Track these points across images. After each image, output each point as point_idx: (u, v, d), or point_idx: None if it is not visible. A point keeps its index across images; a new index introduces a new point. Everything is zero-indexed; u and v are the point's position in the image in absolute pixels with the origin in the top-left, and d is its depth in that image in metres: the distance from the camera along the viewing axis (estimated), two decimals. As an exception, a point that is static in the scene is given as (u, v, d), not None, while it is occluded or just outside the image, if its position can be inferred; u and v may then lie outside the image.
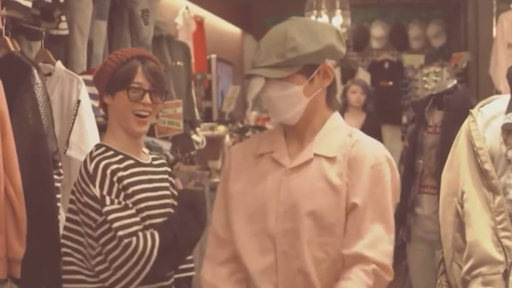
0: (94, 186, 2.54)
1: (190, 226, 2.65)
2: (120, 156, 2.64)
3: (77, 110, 3.45)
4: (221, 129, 7.16)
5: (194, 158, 6.13)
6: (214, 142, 6.79)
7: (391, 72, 9.28)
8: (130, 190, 2.59)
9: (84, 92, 3.51)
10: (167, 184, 2.76)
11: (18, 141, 2.83)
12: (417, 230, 4.31)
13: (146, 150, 2.82)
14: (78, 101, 3.45)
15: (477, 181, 2.34)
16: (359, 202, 2.28)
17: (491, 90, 6.78)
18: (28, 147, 2.93)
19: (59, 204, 3.10)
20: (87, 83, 3.63)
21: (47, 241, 2.97)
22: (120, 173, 2.58)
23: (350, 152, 2.32)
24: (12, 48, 3.14)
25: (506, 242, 2.27)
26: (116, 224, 2.51)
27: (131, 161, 2.65)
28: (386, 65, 9.41)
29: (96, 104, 3.97)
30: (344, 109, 6.77)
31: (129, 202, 2.56)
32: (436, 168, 4.15)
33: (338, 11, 7.88)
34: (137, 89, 2.62)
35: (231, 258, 2.43)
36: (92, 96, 3.73)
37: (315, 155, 2.33)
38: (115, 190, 2.56)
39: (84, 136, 3.46)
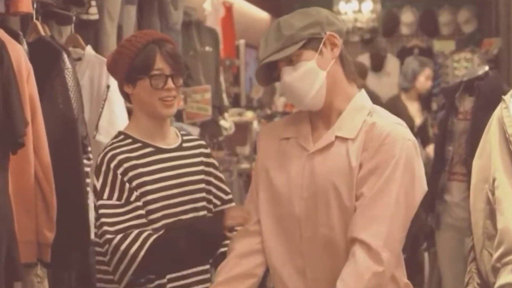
0: (97, 178, 2.51)
1: (193, 252, 2.50)
2: (138, 144, 2.57)
3: (106, 95, 3.47)
4: (249, 115, 7.17)
5: (222, 144, 6.15)
6: (242, 128, 6.80)
7: (421, 58, 9.22)
8: (144, 179, 2.51)
9: (113, 77, 3.52)
10: (198, 168, 2.66)
11: (48, 126, 2.85)
12: (446, 217, 4.29)
13: (178, 133, 2.73)
14: (108, 86, 3.47)
15: (509, 168, 2.32)
16: (366, 184, 2.25)
17: (522, 77, 6.72)
18: (58, 132, 2.96)
19: (88, 188, 3.12)
20: (116, 68, 3.64)
21: (77, 226, 3.00)
22: (130, 163, 2.51)
23: (368, 133, 2.28)
24: (43, 33, 3.16)
25: (537, 229, 2.25)
26: (103, 219, 2.45)
27: (150, 149, 2.58)
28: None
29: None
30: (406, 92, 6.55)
31: (136, 193, 2.49)
32: (466, 155, 4.12)
33: (368, -4, 7.85)
34: (159, 76, 2.54)
35: (254, 250, 2.42)
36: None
37: (337, 137, 2.31)
38: (118, 183, 2.49)
39: (114, 121, 3.48)
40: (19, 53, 2.70)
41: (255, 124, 7.06)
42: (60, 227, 2.86)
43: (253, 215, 2.43)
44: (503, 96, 2.42)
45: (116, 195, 2.49)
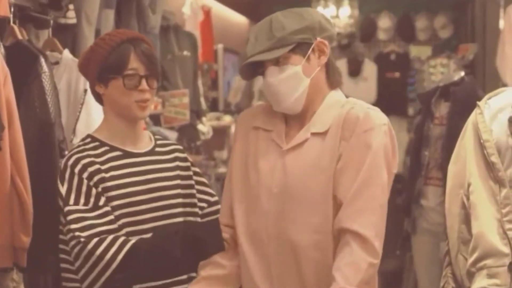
0: (62, 184, 2.42)
1: (188, 259, 2.42)
2: (105, 148, 2.49)
3: (84, 99, 3.45)
4: (227, 119, 7.16)
5: (200, 148, 6.13)
6: (220, 133, 6.80)
7: (397, 63, 9.25)
8: (108, 184, 2.42)
9: (91, 81, 3.51)
10: (172, 173, 2.57)
11: (25, 130, 2.83)
12: (422, 222, 4.32)
13: (152, 137, 2.65)
14: (85, 90, 3.45)
15: (483, 173, 2.33)
16: (346, 173, 2.25)
17: (497, 82, 6.74)
18: (35, 136, 2.93)
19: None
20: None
21: (53, 230, 2.97)
22: (94, 167, 2.42)
23: (343, 122, 2.29)
24: (20, 37, 3.14)
25: (511, 234, 2.27)
26: (73, 226, 2.35)
27: (117, 153, 2.49)
28: (393, 56, 9.38)
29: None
30: None
31: (104, 197, 2.39)
32: (442, 160, 4.15)
33: (346, 1, 7.90)
34: (132, 76, 2.44)
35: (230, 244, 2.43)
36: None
37: (312, 134, 2.32)
38: (84, 188, 2.40)
39: (91, 125, 3.46)
40: (-5, 57, 2.69)
41: (233, 129, 7.06)
42: (36, 231, 2.83)
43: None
44: (478, 102, 2.44)
45: (82, 200, 2.40)
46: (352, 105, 2.33)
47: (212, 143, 6.59)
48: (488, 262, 2.28)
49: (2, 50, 2.93)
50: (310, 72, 2.32)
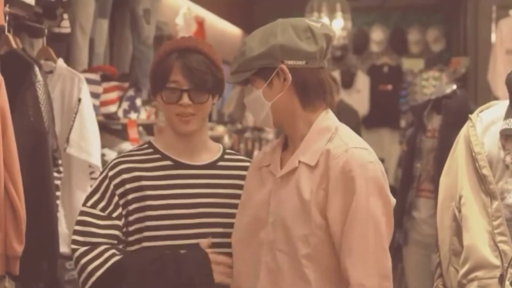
0: (96, 182, 2.37)
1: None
2: (157, 156, 2.38)
3: (78, 108, 3.46)
4: (220, 129, 7.16)
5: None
6: (213, 142, 6.79)
7: (390, 76, 9.30)
8: (147, 193, 2.32)
9: (85, 90, 3.52)
10: (227, 191, 2.40)
11: (18, 138, 2.83)
12: (413, 234, 4.33)
13: (221, 149, 2.48)
14: (79, 99, 3.47)
15: (475, 185, 2.34)
16: (332, 217, 2.17)
17: (489, 96, 6.79)
18: (29, 144, 2.94)
19: (58, 201, 3.11)
20: (88, 81, 3.64)
21: (46, 238, 2.98)
22: (132, 174, 2.33)
23: (326, 160, 2.20)
24: (14, 46, 3.15)
25: (502, 246, 2.27)
26: (77, 227, 2.31)
27: (167, 162, 2.37)
28: (386, 69, 9.43)
29: (97, 102, 3.99)
30: None
31: (122, 210, 2.31)
32: (433, 172, 4.16)
33: (339, 14, 7.91)
34: (172, 90, 2.30)
35: None
36: (93, 94, 3.74)
37: (300, 162, 2.25)
38: (108, 194, 2.32)
39: (85, 134, 3.48)
40: (-11, 65, 2.70)
41: (226, 138, 7.07)
42: (29, 240, 2.83)
43: None
44: (470, 115, 2.45)
45: (102, 205, 2.32)
46: (339, 141, 2.23)
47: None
48: (479, 274, 2.29)
49: (-3, 58, 2.93)
50: (272, 96, 2.24)
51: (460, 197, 2.38)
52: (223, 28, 8.81)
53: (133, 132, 4.56)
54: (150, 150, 2.40)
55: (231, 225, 2.35)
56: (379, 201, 2.18)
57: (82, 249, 2.29)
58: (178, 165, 2.37)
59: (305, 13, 7.46)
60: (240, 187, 2.39)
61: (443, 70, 8.63)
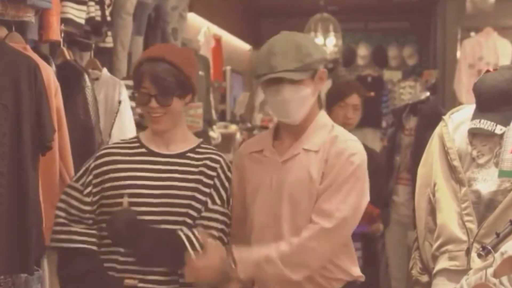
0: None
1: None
2: (137, 144, 2.35)
3: (118, 109, 3.45)
4: (233, 127, 7.16)
5: (211, 151, 6.10)
6: (227, 138, 6.79)
7: (373, 85, 9.24)
8: (122, 174, 2.27)
9: (124, 94, 3.51)
10: (191, 177, 2.30)
11: (71, 133, 2.84)
12: (393, 214, 4.32)
13: (196, 142, 2.40)
14: (119, 101, 3.46)
15: (447, 175, 2.34)
16: (325, 183, 2.21)
17: (454, 102, 6.82)
18: (79, 138, 2.95)
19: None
20: (126, 87, 3.63)
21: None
22: (110, 158, 2.31)
23: (330, 145, 2.24)
24: (68, 57, 3.15)
25: (469, 225, 2.28)
26: (62, 196, 2.32)
27: (142, 150, 2.33)
28: (369, 79, 9.38)
29: (134, 104, 3.98)
30: None
31: (93, 188, 2.28)
32: (410, 163, 4.15)
33: (332, 34, 7.93)
34: (143, 94, 2.26)
35: None
36: (130, 97, 3.74)
37: (303, 149, 2.26)
38: (89, 170, 2.31)
39: (123, 130, 3.47)
40: (48, 73, 2.70)
41: (238, 135, 7.07)
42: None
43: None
44: (443, 117, 2.45)
45: (83, 180, 2.31)
46: (337, 133, 2.28)
47: (221, 147, 6.57)
48: (450, 247, 2.29)
49: (54, 68, 2.94)
50: (314, 94, 2.28)
51: (435, 184, 2.38)
52: (236, 44, 8.81)
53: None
54: (134, 140, 2.38)
55: (184, 205, 2.27)
56: (362, 175, 2.24)
57: (56, 228, 2.30)
58: (150, 153, 2.32)
59: (304, 32, 7.43)
60: (199, 173, 2.30)
61: (417, 80, 8.61)
